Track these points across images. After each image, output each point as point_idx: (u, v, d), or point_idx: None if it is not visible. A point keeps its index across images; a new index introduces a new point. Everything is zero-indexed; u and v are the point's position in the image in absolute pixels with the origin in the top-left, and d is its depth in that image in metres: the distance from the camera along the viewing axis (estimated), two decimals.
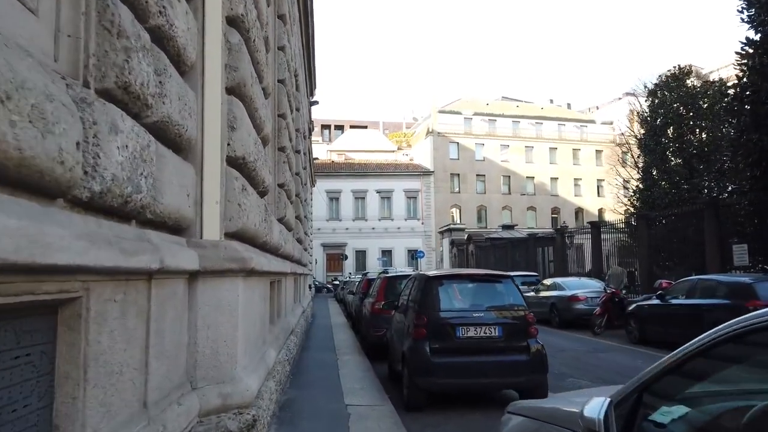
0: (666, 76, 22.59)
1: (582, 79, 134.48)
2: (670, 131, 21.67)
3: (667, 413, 1.70)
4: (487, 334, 5.17)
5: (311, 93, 17.55)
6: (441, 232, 37.31)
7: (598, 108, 61.54)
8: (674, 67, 22.47)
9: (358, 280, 21.21)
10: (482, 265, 25.47)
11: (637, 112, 25.25)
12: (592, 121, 54.24)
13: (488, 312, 5.35)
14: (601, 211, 49.24)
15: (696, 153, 20.96)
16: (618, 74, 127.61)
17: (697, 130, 21.32)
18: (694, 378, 1.81)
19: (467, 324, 5.19)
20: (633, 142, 29.07)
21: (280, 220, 7.06)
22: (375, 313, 8.66)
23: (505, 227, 33.78)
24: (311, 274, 23.05)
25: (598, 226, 16.73)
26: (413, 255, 42.28)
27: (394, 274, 9.86)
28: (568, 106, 60.78)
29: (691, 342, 1.68)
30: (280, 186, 7.17)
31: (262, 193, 4.87)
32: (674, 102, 21.81)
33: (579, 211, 49.50)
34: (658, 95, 22.70)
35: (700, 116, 21.18)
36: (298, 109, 11.41)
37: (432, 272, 5.72)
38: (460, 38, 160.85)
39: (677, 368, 1.71)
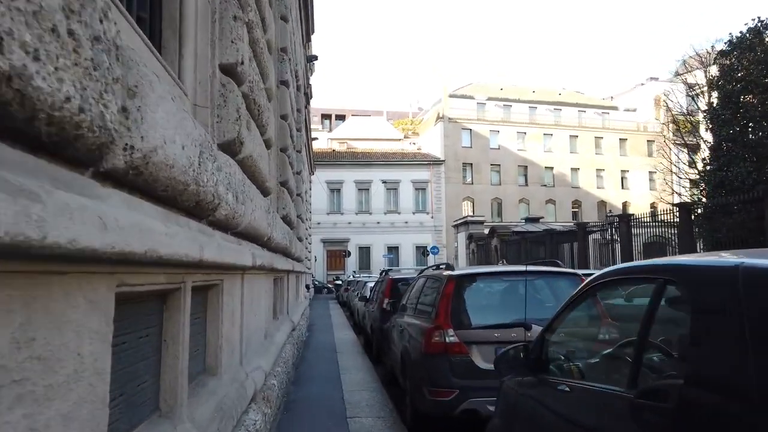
0: (742, 32, 18.55)
1: (592, 71, 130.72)
2: (749, 98, 17.67)
3: None
4: None
5: (308, 36, 13.53)
6: (455, 226, 33.29)
7: (612, 98, 57.53)
8: (753, 19, 18.44)
9: (368, 280, 17.13)
10: (510, 263, 21.44)
11: (693, 85, 21.25)
12: (615, 108, 50.22)
13: None
14: (625, 204, 45.31)
15: None
16: (631, 65, 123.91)
17: None
18: None
19: None
20: (680, 120, 25.15)
21: (233, 153, 3.14)
22: (434, 353, 4.22)
23: (529, 220, 29.77)
24: (307, 272, 19.05)
25: (688, 208, 12.74)
26: (423, 251, 38.29)
27: (470, 272, 4.96)
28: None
29: None
30: (226, 71, 3.17)
31: None
32: (754, 63, 17.79)
33: (602, 205, 45.46)
34: (731, 58, 18.68)
35: None
36: (284, 18, 7.43)
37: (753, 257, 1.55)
38: (465, 28, 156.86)
39: None
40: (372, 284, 12.24)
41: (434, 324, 4.32)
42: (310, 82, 18.08)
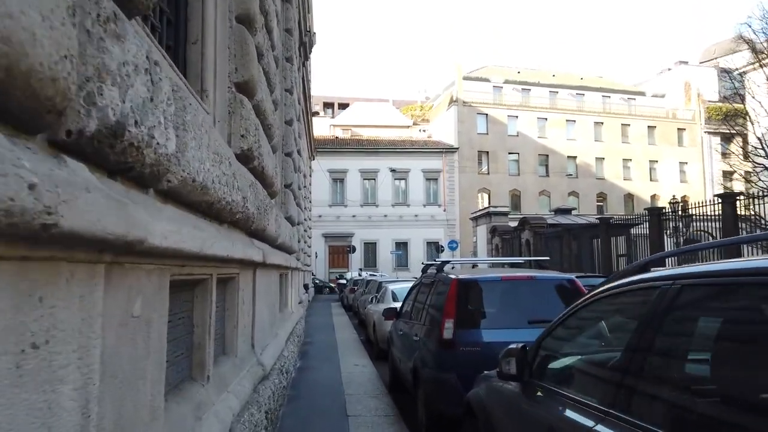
0: None
1: (615, 57, 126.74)
2: None
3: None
4: None
5: None
6: (474, 218, 29.55)
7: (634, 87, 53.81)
8: None
9: (382, 279, 13.43)
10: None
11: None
12: (642, 93, 46.37)
13: None
14: (654, 197, 41.55)
15: None
16: (654, 50, 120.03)
17: None
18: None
19: None
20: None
21: None
22: None
23: (560, 211, 26.06)
24: (306, 270, 15.37)
25: None
26: (437, 247, 34.58)
27: None
28: None
29: None
30: None
31: None
32: None
33: (629, 198, 41.71)
34: None
35: None
36: None
37: None
38: (476, 12, 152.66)
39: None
40: (397, 287, 8.14)
41: None
42: (312, 34, 14.41)
